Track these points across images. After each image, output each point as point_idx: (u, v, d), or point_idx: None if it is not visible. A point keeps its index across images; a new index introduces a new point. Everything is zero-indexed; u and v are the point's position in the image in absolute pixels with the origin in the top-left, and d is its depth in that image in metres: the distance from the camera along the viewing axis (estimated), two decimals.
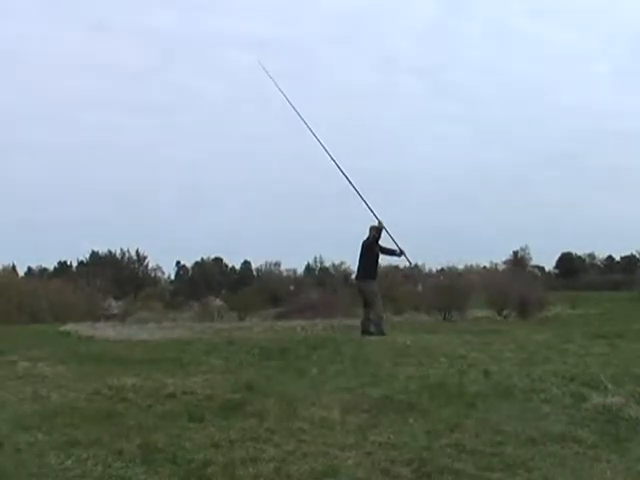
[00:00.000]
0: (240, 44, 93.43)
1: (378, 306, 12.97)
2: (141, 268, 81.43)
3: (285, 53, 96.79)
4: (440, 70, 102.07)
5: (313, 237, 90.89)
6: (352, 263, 45.79)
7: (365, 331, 12.50)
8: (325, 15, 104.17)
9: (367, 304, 13.00)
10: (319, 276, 75.09)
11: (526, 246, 74.45)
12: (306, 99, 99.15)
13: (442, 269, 49.45)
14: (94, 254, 77.06)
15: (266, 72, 13.92)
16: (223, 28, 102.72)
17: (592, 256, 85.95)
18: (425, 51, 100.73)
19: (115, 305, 48.52)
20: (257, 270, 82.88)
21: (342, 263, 72.08)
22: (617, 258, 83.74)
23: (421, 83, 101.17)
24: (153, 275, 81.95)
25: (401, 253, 13.03)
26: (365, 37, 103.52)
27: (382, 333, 12.17)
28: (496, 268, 59.92)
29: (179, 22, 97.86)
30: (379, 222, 12.71)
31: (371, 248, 12.89)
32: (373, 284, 13.04)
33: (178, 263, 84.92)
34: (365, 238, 12.95)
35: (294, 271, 76.85)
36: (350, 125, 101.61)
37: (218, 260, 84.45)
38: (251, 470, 4.50)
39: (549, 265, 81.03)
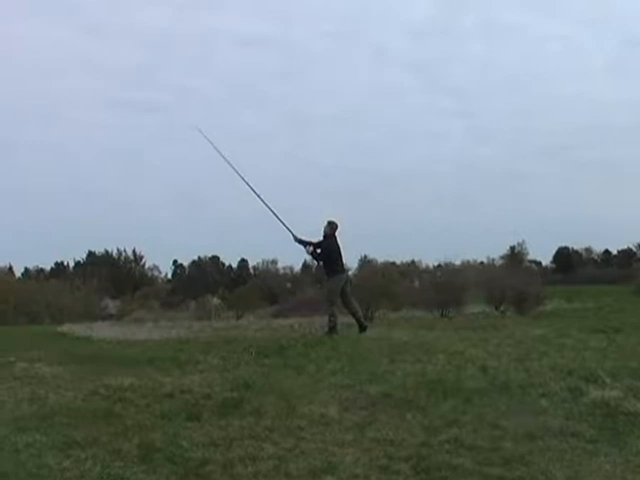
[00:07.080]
0: (233, 41, 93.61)
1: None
2: (138, 267, 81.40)
3: (278, 50, 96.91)
4: (434, 65, 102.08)
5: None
6: (349, 260, 45.89)
7: (362, 327, 12.19)
8: (318, 11, 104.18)
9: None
10: (316, 274, 74.97)
11: (523, 241, 74.72)
12: (299, 95, 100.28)
13: (439, 265, 49.32)
14: (91, 254, 77.10)
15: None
16: (216, 25, 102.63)
17: (589, 250, 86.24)
18: (418, 46, 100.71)
19: (112, 305, 48.44)
20: (254, 268, 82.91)
21: None
22: (614, 252, 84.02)
23: (414, 78, 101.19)
24: (150, 274, 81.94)
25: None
26: (358, 33, 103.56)
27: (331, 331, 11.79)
28: (493, 263, 60.06)
29: (172, 20, 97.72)
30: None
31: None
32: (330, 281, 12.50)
33: (175, 262, 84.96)
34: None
35: (291, 269, 76.94)
36: (344, 121, 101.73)
37: (215, 259, 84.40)
38: (250, 468, 4.50)
39: (546, 260, 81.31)
